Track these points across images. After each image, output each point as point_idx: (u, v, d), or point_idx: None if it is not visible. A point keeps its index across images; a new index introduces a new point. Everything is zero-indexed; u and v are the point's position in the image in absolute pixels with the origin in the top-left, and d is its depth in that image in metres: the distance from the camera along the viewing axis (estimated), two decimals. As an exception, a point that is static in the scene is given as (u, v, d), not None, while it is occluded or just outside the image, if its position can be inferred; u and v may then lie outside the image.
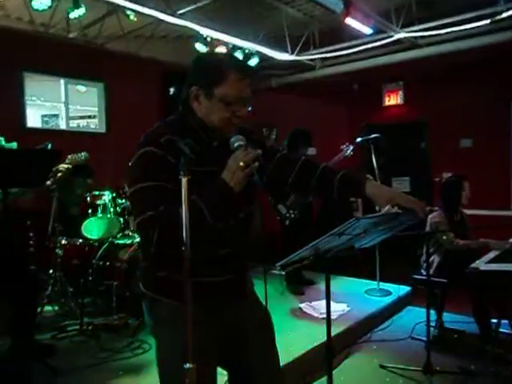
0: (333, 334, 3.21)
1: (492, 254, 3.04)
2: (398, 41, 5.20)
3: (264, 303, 1.53)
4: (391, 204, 1.38)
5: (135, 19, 4.05)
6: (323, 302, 4.25)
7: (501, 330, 3.25)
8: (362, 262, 4.60)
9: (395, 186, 6.65)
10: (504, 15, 4.35)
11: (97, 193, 3.91)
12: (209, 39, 4.76)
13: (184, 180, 1.16)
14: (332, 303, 4.06)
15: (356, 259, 4.27)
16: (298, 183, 1.58)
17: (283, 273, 4.37)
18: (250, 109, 1.42)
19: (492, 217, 5.44)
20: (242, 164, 1.27)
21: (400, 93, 6.46)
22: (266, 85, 6.66)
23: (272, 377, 1.54)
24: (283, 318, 3.58)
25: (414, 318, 3.80)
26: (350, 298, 4.07)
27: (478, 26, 4.65)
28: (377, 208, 1.47)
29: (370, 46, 5.38)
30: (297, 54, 5.78)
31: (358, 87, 6.79)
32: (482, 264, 2.74)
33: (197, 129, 1.40)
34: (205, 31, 4.65)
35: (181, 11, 4.30)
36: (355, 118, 6.81)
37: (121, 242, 3.79)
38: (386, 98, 6.59)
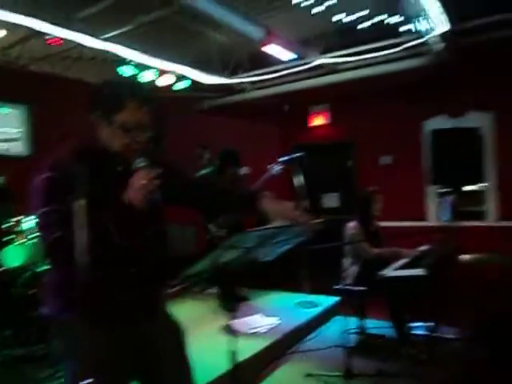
0: (262, 346, 3.33)
1: (401, 262, 3.31)
2: (321, 66, 5.56)
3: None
4: (282, 218, 1.52)
5: (58, 43, 4.01)
6: (254, 317, 4.36)
7: (416, 332, 3.52)
8: (293, 275, 4.77)
9: (325, 202, 6.98)
10: (410, 44, 4.82)
11: (17, 219, 3.76)
12: (135, 63, 4.80)
13: (78, 204, 1.21)
14: (263, 317, 4.18)
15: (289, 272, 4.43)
16: (199, 203, 1.73)
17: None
18: (148, 134, 1.51)
19: (411, 227, 5.86)
20: (143, 182, 1.36)
21: (326, 114, 6.84)
22: (198, 107, 6.80)
23: None
24: (212, 337, 3.60)
25: (341, 327, 3.98)
26: (280, 312, 4.19)
27: (390, 53, 5.11)
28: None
29: (294, 70, 5.72)
30: (227, 77, 5.98)
31: (288, 108, 7.09)
32: (389, 271, 2.97)
33: (101, 154, 1.47)
34: (131, 55, 4.70)
35: (105, 36, 4.34)
36: (286, 138, 7.10)
37: (46, 268, 3.66)
38: (313, 119, 6.94)
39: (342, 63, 5.54)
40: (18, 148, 5.27)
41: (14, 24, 3.84)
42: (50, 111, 5.23)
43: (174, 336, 1.66)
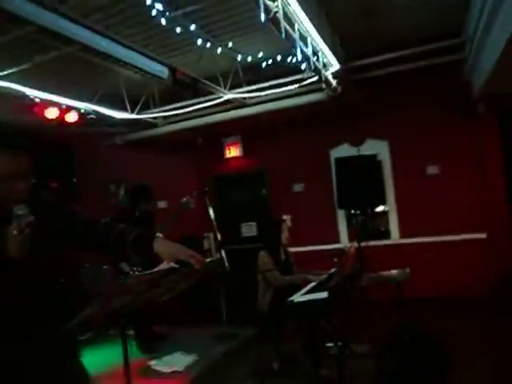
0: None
1: (308, 287, 3.46)
2: (230, 100, 5.78)
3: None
4: (173, 259, 1.56)
5: None
6: (175, 356, 4.26)
7: (329, 352, 3.68)
8: (210, 307, 4.77)
9: (244, 231, 7.11)
10: (308, 81, 5.21)
11: None
12: (38, 100, 4.64)
13: None
14: (182, 355, 4.10)
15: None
16: (97, 246, 1.68)
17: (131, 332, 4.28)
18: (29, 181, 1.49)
19: (325, 250, 6.16)
20: (14, 232, 1.35)
21: (239, 145, 7.05)
22: (111, 142, 6.68)
23: None
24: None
25: (259, 354, 4.04)
26: (197, 348, 4.15)
27: (291, 89, 5.48)
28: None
29: (205, 105, 5.88)
30: (137, 113, 5.97)
31: (201, 141, 7.21)
32: (297, 297, 3.11)
33: None
34: (32, 92, 4.54)
35: (3, 72, 4.16)
36: (202, 169, 7.17)
37: None
38: (227, 151, 7.11)
39: (249, 98, 5.82)
40: None
41: None
42: None
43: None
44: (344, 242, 6.52)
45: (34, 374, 1.47)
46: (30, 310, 1.47)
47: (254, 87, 5.60)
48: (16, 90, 4.39)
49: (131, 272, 4.12)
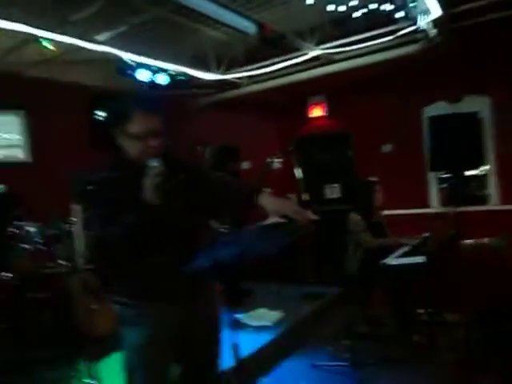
0: (268, 340, 3.37)
1: (402, 250, 3.33)
2: (316, 57, 5.55)
3: None
4: (279, 214, 1.55)
5: (52, 47, 4.03)
6: (260, 311, 4.39)
7: (418, 318, 3.56)
8: (296, 267, 4.80)
9: (328, 193, 6.99)
10: (404, 31, 4.80)
11: (19, 224, 3.81)
12: (132, 63, 4.82)
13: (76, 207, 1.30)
14: (268, 311, 4.21)
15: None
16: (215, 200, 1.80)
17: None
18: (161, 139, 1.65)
19: (413, 214, 5.86)
20: (148, 180, 1.53)
21: (324, 105, 6.83)
22: (195, 104, 6.80)
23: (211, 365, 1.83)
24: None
25: (345, 317, 4.02)
26: (285, 304, 4.23)
27: (384, 41, 5.09)
28: None
29: (290, 62, 5.71)
30: (222, 73, 5.98)
31: (285, 101, 7.08)
32: (390, 259, 3.00)
33: (124, 162, 1.67)
34: (127, 55, 4.71)
35: (100, 37, 4.35)
36: (285, 130, 7.09)
37: (49, 271, 3.73)
38: (312, 111, 6.93)
39: (337, 53, 5.53)
40: (18, 154, 5.32)
41: (9, 30, 3.87)
42: (48, 116, 5.26)
43: (211, 322, 1.83)
44: (434, 206, 6.15)
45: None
46: (163, 249, 1.62)
47: (342, 41, 5.30)
48: (112, 53, 4.58)
49: (221, 229, 4.25)
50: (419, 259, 2.85)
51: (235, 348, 1.66)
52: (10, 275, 3.62)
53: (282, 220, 1.54)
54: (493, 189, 5.85)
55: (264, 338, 3.41)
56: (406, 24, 4.69)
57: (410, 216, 5.80)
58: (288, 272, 4.92)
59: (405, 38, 5.00)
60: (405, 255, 3.11)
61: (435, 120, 5.68)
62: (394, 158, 6.37)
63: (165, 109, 1.72)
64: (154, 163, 1.55)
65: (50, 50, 4.04)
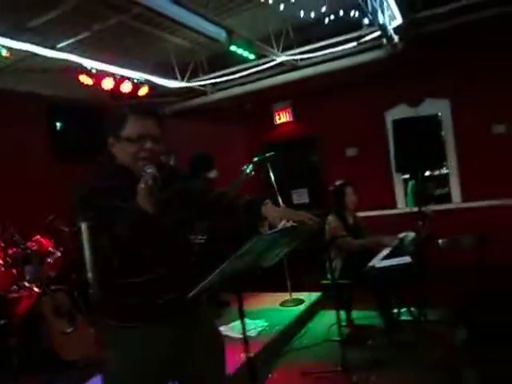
0: (255, 350, 3.28)
1: (385, 252, 3.36)
2: (281, 63, 5.58)
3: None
4: (284, 220, 1.51)
5: (7, 55, 3.77)
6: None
7: (402, 317, 3.60)
8: (273, 275, 4.74)
9: (295, 198, 7.03)
10: (367, 38, 4.92)
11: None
12: (94, 71, 4.62)
13: (83, 226, 1.26)
14: (250, 321, 4.12)
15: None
16: (212, 212, 1.81)
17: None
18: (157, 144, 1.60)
19: (381, 216, 5.99)
20: (142, 185, 1.46)
21: (289, 111, 6.88)
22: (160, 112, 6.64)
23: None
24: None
25: (328, 321, 4.01)
26: (266, 313, 4.16)
27: (346, 48, 5.20)
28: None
29: (255, 69, 5.70)
30: (187, 81, 5.87)
31: (250, 108, 7.07)
32: (377, 262, 3.01)
33: (119, 170, 1.61)
34: (88, 63, 4.51)
35: (61, 44, 4.14)
36: (252, 137, 7.08)
37: (15, 295, 3.45)
38: (277, 117, 6.96)
39: (301, 60, 5.58)
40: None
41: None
42: (5, 127, 4.94)
43: (211, 338, 1.73)
44: (401, 207, 6.33)
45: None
46: (157, 258, 1.56)
47: (307, 48, 5.35)
48: (74, 61, 4.37)
49: (196, 241, 4.12)
50: (405, 259, 2.88)
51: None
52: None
53: (290, 224, 1.49)
54: (455, 188, 6.09)
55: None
56: (370, 30, 4.81)
57: (378, 218, 5.93)
58: (266, 280, 4.85)
59: (369, 44, 5.13)
60: (389, 256, 3.14)
61: (398, 123, 5.86)
62: (359, 161, 6.51)
63: (160, 115, 1.66)
64: (150, 169, 1.49)
65: (4, 57, 3.78)
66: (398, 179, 6.36)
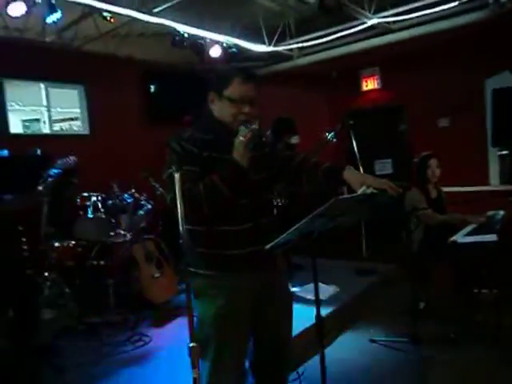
0: (324, 314, 3.37)
1: (469, 228, 3.20)
2: (372, 26, 5.32)
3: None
4: (365, 185, 1.53)
5: (112, 20, 4.06)
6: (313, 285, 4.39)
7: (482, 297, 3.44)
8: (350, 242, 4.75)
9: (378, 168, 6.83)
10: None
11: (85, 194, 3.96)
12: (186, 35, 4.80)
13: (176, 175, 1.37)
14: (322, 285, 4.21)
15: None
16: (293, 177, 1.86)
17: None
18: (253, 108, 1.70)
19: (471, 193, 5.62)
20: (241, 139, 1.59)
21: (377, 77, 6.59)
22: (246, 77, 6.72)
23: (284, 341, 1.86)
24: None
25: (402, 293, 3.95)
26: (339, 279, 4.21)
27: (446, 9, 4.80)
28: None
29: (344, 33, 5.50)
30: (274, 45, 5.86)
31: (336, 74, 6.89)
32: (460, 237, 2.89)
33: (216, 125, 1.72)
34: (181, 27, 4.70)
35: (156, 9, 4.34)
36: (335, 104, 6.93)
37: (114, 241, 3.87)
38: (364, 84, 6.71)
39: (396, 22, 5.27)
40: (79, 127, 5.49)
41: (67, 4, 3.93)
42: (105, 90, 5.37)
43: (287, 294, 1.92)
44: (495, 184, 5.88)
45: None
46: (245, 210, 1.67)
47: (402, 9, 5.03)
48: (167, 25, 4.58)
49: (276, 203, 4.24)
50: (491, 237, 2.73)
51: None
52: (74, 242, 3.79)
53: (370, 191, 1.51)
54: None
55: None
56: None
57: (468, 193, 5.58)
58: (341, 247, 4.86)
59: (472, 4, 4.69)
60: (474, 233, 3.00)
61: (499, 92, 5.37)
62: (450, 133, 6.10)
63: (260, 80, 1.76)
64: (252, 125, 1.61)
65: (108, 22, 4.07)
66: (493, 154, 5.88)
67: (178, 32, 4.72)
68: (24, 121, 5.76)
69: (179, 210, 1.39)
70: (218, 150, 1.64)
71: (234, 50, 5.36)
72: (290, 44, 5.94)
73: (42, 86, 5.20)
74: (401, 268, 4.32)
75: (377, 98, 6.72)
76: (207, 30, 5.03)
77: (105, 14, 3.97)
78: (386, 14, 5.07)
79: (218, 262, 1.67)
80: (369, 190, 1.51)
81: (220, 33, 5.20)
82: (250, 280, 1.67)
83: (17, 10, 3.59)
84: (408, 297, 3.31)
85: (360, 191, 1.53)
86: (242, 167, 1.58)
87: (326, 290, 3.97)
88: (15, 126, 5.31)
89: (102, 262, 3.72)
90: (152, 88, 5.85)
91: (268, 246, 1.49)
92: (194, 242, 1.68)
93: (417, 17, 4.99)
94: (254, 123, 1.62)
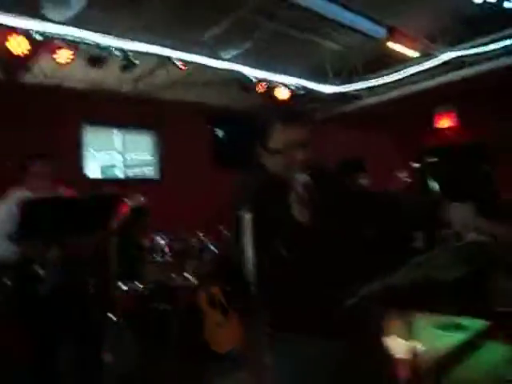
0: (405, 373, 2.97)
1: None
2: (444, 62, 5.08)
3: None
4: (469, 230, 1.26)
5: (183, 67, 4.21)
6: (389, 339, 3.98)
7: None
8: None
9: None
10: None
11: (153, 236, 3.97)
12: (254, 80, 4.86)
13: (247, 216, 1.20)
14: (398, 340, 3.78)
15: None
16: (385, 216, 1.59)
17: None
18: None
19: None
20: (293, 196, 1.38)
21: (452, 114, 6.21)
22: (312, 118, 6.65)
23: None
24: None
25: (495, 356, 3.42)
26: (417, 334, 3.76)
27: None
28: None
29: (415, 69, 5.30)
30: (341, 85, 5.78)
31: (406, 112, 6.61)
32: None
33: (270, 179, 1.51)
34: (249, 72, 4.77)
35: (226, 56, 4.46)
36: (406, 143, 6.59)
37: (179, 284, 3.80)
38: (439, 121, 6.35)
39: (470, 56, 4.98)
40: (150, 172, 5.68)
41: (142, 55, 4.13)
42: (175, 136, 5.55)
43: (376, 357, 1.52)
44: None
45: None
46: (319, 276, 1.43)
47: (475, 43, 4.75)
48: (235, 72, 4.68)
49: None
50: None
51: None
52: (140, 285, 3.74)
53: (482, 238, 1.23)
54: None
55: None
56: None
57: None
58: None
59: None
60: None
61: None
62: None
63: (309, 118, 1.56)
64: (301, 177, 1.39)
65: (181, 70, 4.22)
66: None
67: (247, 76, 4.79)
68: (102, 167, 6.06)
69: (246, 255, 1.24)
70: (277, 210, 1.43)
71: (301, 91, 5.33)
72: (356, 84, 5.83)
73: (118, 132, 5.48)
74: (496, 326, 3.79)
75: (453, 135, 6.30)
76: (275, 72, 5.08)
77: (176, 62, 4.12)
78: (459, 47, 4.82)
79: (294, 324, 1.44)
80: (481, 237, 1.22)
81: (286, 74, 5.23)
82: (333, 347, 1.43)
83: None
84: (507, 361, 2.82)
85: (469, 237, 1.24)
86: (302, 224, 1.37)
87: (405, 347, 3.55)
88: (93, 171, 5.58)
89: (163, 306, 3.63)
90: (220, 134, 5.98)
91: (349, 302, 1.25)
92: (265, 291, 1.48)
93: (491, 50, 4.70)
94: (304, 174, 1.39)
